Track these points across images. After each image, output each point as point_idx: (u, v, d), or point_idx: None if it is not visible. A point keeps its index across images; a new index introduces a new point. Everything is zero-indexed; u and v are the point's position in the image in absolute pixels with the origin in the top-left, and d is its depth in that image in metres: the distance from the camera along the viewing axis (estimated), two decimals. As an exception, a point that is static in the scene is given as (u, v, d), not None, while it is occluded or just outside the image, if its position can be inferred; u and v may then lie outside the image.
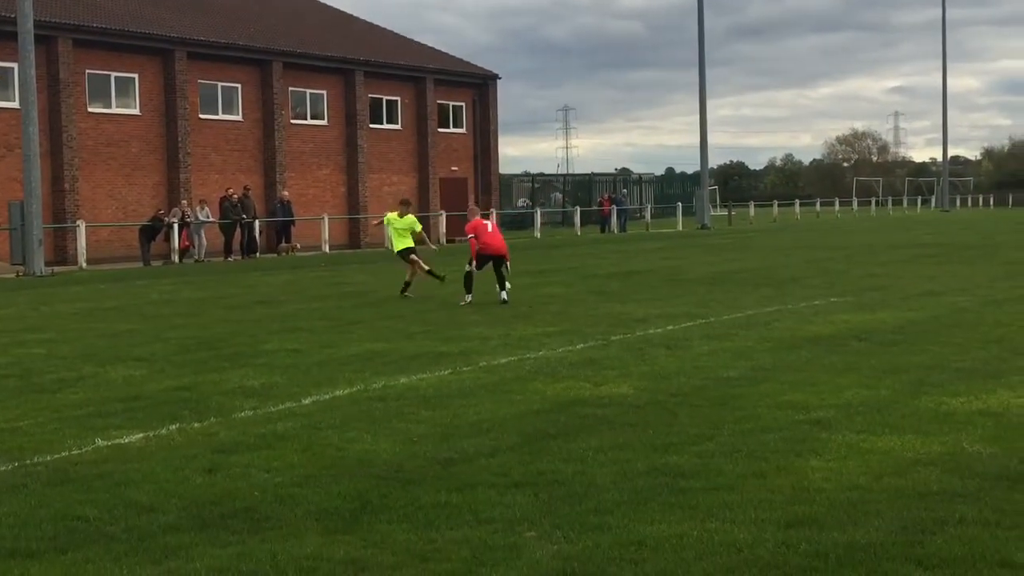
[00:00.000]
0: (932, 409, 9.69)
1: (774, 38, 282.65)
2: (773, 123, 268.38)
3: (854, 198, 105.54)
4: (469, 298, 20.27)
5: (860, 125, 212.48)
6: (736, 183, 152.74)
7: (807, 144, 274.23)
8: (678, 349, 13.86)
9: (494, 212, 53.78)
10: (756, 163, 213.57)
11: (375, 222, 22.20)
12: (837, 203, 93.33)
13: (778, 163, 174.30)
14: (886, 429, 8.90)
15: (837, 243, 41.29)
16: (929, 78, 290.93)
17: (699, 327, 16.09)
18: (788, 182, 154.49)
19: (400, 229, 22.74)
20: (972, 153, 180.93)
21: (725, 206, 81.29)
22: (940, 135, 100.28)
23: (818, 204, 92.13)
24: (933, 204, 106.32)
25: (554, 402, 10.46)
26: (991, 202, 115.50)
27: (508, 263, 21.01)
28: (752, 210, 77.38)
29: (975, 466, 7.65)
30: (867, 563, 5.70)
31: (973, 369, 11.78)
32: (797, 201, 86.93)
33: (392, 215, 23.10)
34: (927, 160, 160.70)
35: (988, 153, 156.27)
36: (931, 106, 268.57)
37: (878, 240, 42.77)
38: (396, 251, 23.02)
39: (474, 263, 20.73)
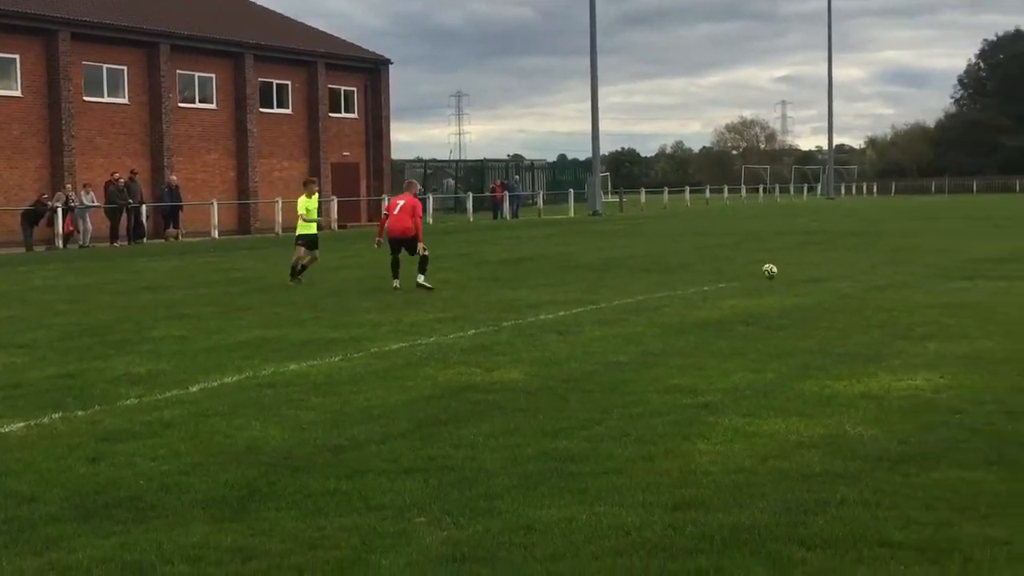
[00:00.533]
0: (816, 392, 9.88)
1: (665, 26, 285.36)
2: (664, 110, 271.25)
3: (743, 185, 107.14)
4: (396, 283, 20.08)
5: (749, 113, 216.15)
6: (628, 170, 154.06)
7: (697, 131, 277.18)
8: (569, 335, 13.94)
9: (386, 198, 53.58)
10: (647, 150, 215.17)
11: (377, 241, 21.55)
12: (726, 190, 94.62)
13: (669, 150, 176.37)
14: (771, 412, 9.05)
15: (726, 230, 41.88)
16: (815, 68, 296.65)
17: (590, 313, 16.20)
18: (679, 169, 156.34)
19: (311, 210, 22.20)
20: (857, 142, 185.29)
21: (616, 193, 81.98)
22: (826, 124, 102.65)
23: (708, 191, 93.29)
24: (819, 192, 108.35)
25: (445, 388, 10.45)
26: (874, 190, 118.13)
27: (419, 248, 20.14)
28: (643, 197, 78.16)
29: (856, 448, 7.82)
30: (751, 544, 5.80)
31: (856, 353, 12.03)
32: (687, 188, 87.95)
33: (306, 199, 22.36)
34: (813, 148, 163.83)
35: (872, 142, 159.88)
36: (817, 95, 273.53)
37: (766, 227, 43.47)
38: (302, 234, 22.22)
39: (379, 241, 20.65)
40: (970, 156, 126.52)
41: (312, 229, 22.19)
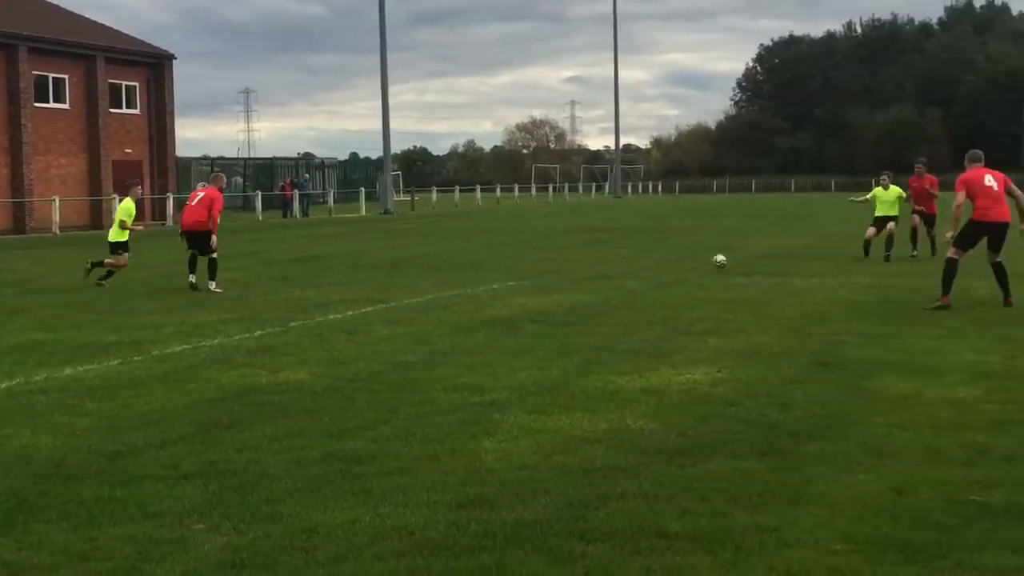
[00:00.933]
0: (600, 388, 10.05)
1: (456, 25, 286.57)
2: (455, 109, 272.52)
3: (533, 184, 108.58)
4: (192, 278, 19.54)
5: (539, 113, 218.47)
6: (420, 168, 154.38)
7: (488, 131, 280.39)
8: (357, 334, 13.83)
9: (171, 196, 52.22)
10: (439, 149, 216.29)
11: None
12: (517, 189, 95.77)
13: (460, 149, 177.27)
14: (556, 409, 9.16)
15: (516, 228, 42.35)
16: (603, 69, 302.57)
17: (379, 312, 16.13)
18: (470, 168, 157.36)
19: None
20: (643, 142, 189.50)
21: (408, 191, 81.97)
22: (613, 124, 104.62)
23: (498, 190, 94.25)
24: (607, 191, 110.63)
25: (229, 390, 10.22)
26: (659, 189, 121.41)
27: (212, 242, 19.47)
28: (435, 195, 78.31)
29: (637, 442, 7.98)
30: (533, 539, 5.84)
31: (639, 349, 12.30)
32: (478, 187, 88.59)
33: (129, 203, 21.30)
34: (601, 148, 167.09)
35: (657, 142, 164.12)
36: (605, 96, 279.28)
37: (555, 225, 44.14)
38: (119, 241, 21.18)
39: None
40: (749, 156, 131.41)
41: (126, 236, 21.22)
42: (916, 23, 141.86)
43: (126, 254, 21.31)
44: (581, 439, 8.10)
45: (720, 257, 22.18)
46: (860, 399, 9.37)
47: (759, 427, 8.37)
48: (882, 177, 25.34)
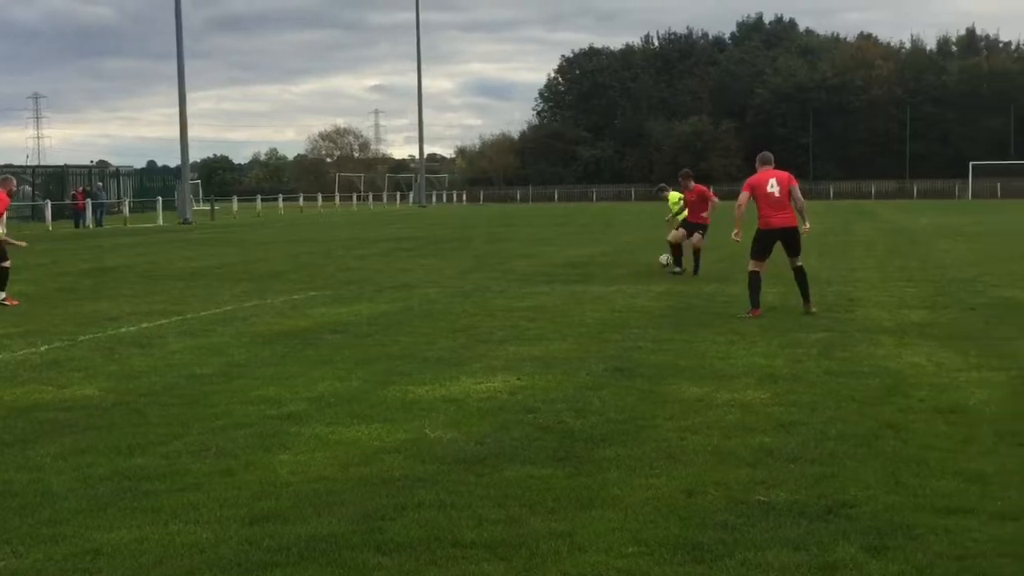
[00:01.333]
0: (399, 398, 10.01)
1: (256, 32, 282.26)
2: (257, 117, 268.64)
3: (337, 193, 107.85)
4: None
5: (343, 121, 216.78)
6: (220, 177, 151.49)
7: (291, 139, 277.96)
8: (151, 347, 13.46)
9: None
10: (241, 157, 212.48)
11: None
12: (320, 198, 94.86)
13: (262, 158, 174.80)
14: (355, 420, 9.08)
15: (318, 238, 41.95)
16: (406, 78, 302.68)
17: (174, 324, 15.73)
18: (273, 177, 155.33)
19: None
20: (447, 151, 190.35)
21: (208, 200, 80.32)
22: (417, 133, 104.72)
23: (302, 199, 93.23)
24: (411, 200, 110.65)
25: (11, 408, 9.80)
26: (464, 198, 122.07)
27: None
28: (236, 205, 76.97)
29: (436, 451, 7.98)
30: (328, 553, 5.77)
31: (440, 358, 12.31)
32: (281, 196, 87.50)
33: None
34: (406, 157, 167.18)
35: (461, 151, 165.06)
36: (409, 105, 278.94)
37: (358, 235, 43.90)
38: None
39: None
40: (552, 166, 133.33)
41: None
42: (710, 37, 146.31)
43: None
44: (379, 450, 8.05)
45: (665, 257, 21.87)
46: (654, 404, 9.57)
47: (556, 433, 8.47)
48: (661, 190, 25.75)
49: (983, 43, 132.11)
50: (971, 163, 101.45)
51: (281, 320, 16.05)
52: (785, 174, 16.00)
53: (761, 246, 15.87)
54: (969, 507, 6.42)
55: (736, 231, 16.20)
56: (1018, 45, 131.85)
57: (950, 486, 6.84)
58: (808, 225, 16.17)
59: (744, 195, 15.97)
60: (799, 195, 15.98)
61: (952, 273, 21.92)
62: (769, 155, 16.36)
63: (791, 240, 15.82)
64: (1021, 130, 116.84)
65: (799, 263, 15.94)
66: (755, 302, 15.65)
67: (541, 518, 6.34)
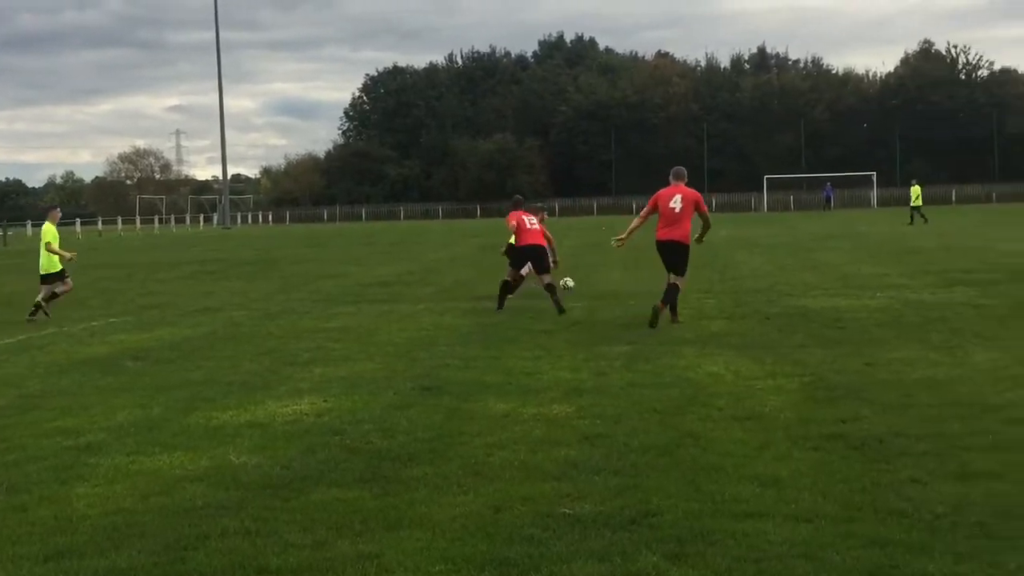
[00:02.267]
0: (202, 424, 9.80)
1: (48, 51, 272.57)
2: (51, 139, 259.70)
3: (138, 216, 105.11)
4: None
5: (142, 143, 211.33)
6: (14, 201, 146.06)
7: (88, 161, 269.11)
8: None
9: None
10: (35, 180, 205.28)
11: None
12: (120, 221, 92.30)
13: (59, 180, 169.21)
14: (156, 448, 8.86)
15: (118, 262, 40.80)
16: (207, 98, 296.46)
17: (-36, 355, 15.07)
18: (70, 200, 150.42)
19: None
20: (252, 171, 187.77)
21: (0, 225, 77.28)
22: (220, 154, 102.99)
23: (100, 222, 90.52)
24: (215, 222, 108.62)
25: None
26: (270, 219, 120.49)
27: None
28: (30, 230, 74.22)
29: (240, 477, 7.84)
30: (128, 587, 5.62)
31: (244, 382, 12.10)
32: (78, 220, 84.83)
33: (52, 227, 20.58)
34: (210, 178, 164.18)
35: (267, 172, 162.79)
36: (211, 125, 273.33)
37: (160, 258, 42.87)
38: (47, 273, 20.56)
39: None
40: (359, 185, 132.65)
41: (56, 260, 20.33)
42: (513, 56, 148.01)
43: (67, 279, 20.82)
44: (181, 478, 7.87)
45: (567, 281, 21.73)
46: (461, 420, 9.61)
47: (363, 454, 8.42)
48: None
49: (773, 61, 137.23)
50: (765, 177, 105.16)
51: (79, 348, 15.55)
52: (692, 192, 16.33)
53: (661, 256, 16.28)
54: (765, 511, 6.64)
55: (619, 239, 16.94)
56: (806, 63, 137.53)
57: (747, 491, 7.05)
58: (703, 240, 17.03)
59: (647, 208, 16.31)
60: (706, 211, 16.46)
61: (748, 284, 22.67)
62: (682, 170, 16.66)
63: (671, 255, 16.18)
64: (811, 144, 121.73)
65: (675, 280, 16.16)
66: (671, 307, 16.15)
67: (348, 541, 6.30)
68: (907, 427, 8.76)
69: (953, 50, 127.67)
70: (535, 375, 11.97)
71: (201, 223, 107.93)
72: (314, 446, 8.77)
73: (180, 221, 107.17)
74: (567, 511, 6.75)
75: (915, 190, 54.03)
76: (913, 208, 53.15)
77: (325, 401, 10.71)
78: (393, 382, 11.73)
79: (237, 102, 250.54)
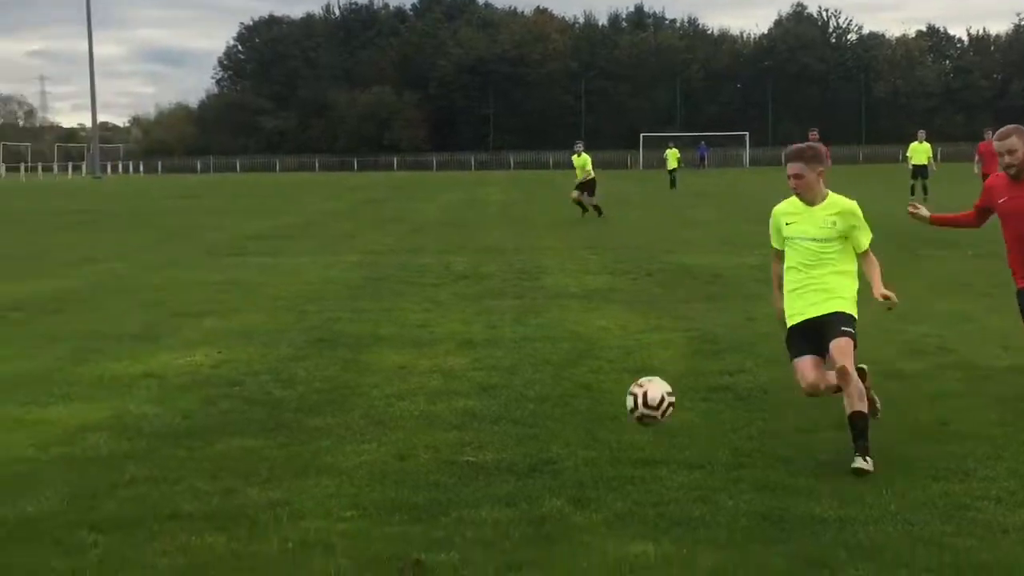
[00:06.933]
0: (96, 375, 9.75)
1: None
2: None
3: (2, 165, 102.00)
4: None
5: (5, 88, 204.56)
6: None
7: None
8: None
9: None
10: None
11: None
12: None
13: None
14: (52, 399, 8.80)
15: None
16: (72, 43, 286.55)
17: None
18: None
19: None
20: (121, 120, 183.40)
21: None
22: (88, 100, 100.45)
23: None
24: (84, 171, 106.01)
25: None
26: (141, 169, 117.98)
27: None
28: None
29: (142, 427, 7.87)
30: (40, 534, 5.65)
31: (135, 334, 12.01)
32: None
33: None
34: (76, 126, 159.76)
35: (136, 120, 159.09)
36: (75, 71, 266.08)
37: (29, 207, 41.87)
38: None
39: None
40: (233, 136, 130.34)
41: None
42: (392, 8, 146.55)
43: None
44: (82, 428, 7.86)
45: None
46: (359, 372, 9.74)
47: (264, 405, 8.51)
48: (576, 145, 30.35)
49: (651, 20, 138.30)
50: (641, 134, 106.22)
51: (-44, 298, 15.22)
52: None
53: None
54: (660, 458, 6.91)
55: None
56: (682, 22, 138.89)
57: (642, 440, 7.32)
58: None
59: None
60: None
61: (629, 240, 23.06)
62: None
63: None
64: (686, 103, 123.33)
65: None
66: None
67: (257, 488, 6.40)
68: (789, 379, 9.14)
69: (824, 13, 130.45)
70: (428, 327, 12.12)
71: (70, 172, 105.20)
72: (213, 397, 8.82)
73: (47, 170, 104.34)
74: (470, 459, 6.94)
75: (922, 148, 36.47)
76: (916, 169, 36.26)
77: (219, 352, 10.72)
78: (286, 334, 11.78)
79: (104, 48, 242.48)
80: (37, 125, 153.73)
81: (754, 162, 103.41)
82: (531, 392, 8.80)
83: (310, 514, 5.95)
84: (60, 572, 5.18)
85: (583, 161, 29.95)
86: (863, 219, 7.07)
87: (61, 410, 8.45)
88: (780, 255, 7.27)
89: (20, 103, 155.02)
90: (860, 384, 6.79)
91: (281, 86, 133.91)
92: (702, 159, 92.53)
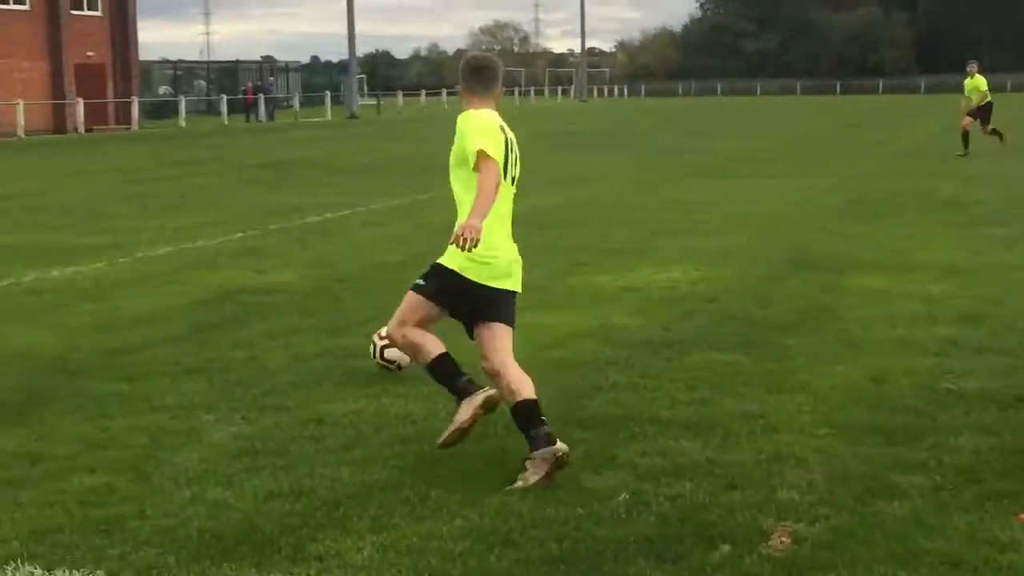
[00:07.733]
0: (583, 287, 10.30)
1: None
2: (415, 12, 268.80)
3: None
4: None
5: (503, 16, 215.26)
6: (383, 72, 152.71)
7: (449, 34, 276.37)
8: (337, 236, 14.02)
9: (135, 100, 51.84)
10: (401, 52, 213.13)
11: None
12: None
13: (423, 53, 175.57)
14: (544, 307, 9.35)
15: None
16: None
17: (357, 215, 16.27)
18: (434, 72, 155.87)
19: None
20: (607, 45, 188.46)
21: (374, 95, 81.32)
22: (578, 27, 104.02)
23: (422, 95, 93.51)
24: (572, 95, 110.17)
25: (218, 291, 10.39)
26: (625, 92, 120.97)
27: None
28: (400, 99, 77.84)
29: (624, 337, 8.26)
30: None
31: (617, 249, 12.54)
32: (444, 91, 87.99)
33: None
34: (565, 51, 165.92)
35: (622, 45, 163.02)
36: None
37: (521, 128, 44.06)
38: None
39: None
40: (714, 59, 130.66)
41: None
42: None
43: None
44: (570, 334, 8.36)
45: None
46: (835, 294, 9.69)
47: (739, 321, 8.67)
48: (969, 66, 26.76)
49: None
50: None
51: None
52: None
53: None
54: None
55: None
56: None
57: None
58: None
59: None
60: None
61: None
62: None
63: None
64: None
65: None
66: None
67: (732, 400, 6.58)
68: None
69: None
70: (909, 252, 11.81)
71: (559, 95, 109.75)
72: (690, 311, 9.09)
73: (539, 93, 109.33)
74: (951, 386, 6.76)
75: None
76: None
77: (697, 270, 10.99)
78: (763, 254, 11.88)
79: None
80: (530, 51, 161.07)
81: None
82: (1020, 323, 8.40)
83: (784, 428, 6.05)
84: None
85: (976, 83, 26.80)
86: None
87: (552, 317, 8.99)
88: None
89: (516, 30, 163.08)
90: None
91: (763, 7, 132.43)
92: None
